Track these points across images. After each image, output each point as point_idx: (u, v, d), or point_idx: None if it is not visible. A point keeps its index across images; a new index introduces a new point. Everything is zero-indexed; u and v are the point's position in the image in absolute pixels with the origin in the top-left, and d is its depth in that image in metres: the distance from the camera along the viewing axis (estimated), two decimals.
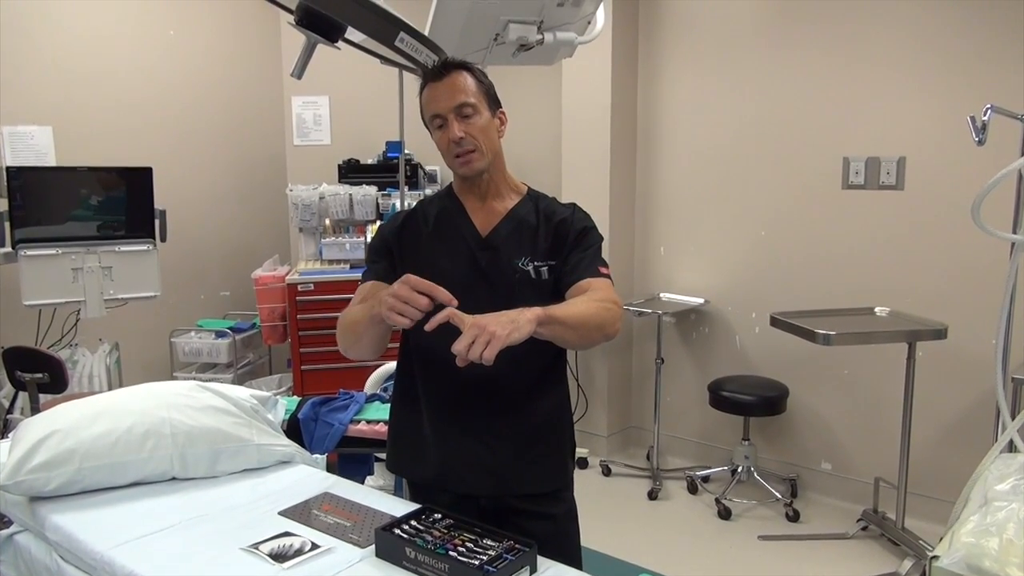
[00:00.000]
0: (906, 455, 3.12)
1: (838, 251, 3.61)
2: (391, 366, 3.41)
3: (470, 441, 1.69)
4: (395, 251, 1.72)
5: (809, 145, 3.66)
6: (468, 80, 1.61)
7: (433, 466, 1.72)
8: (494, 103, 1.66)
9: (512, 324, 1.36)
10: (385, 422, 2.47)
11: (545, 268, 1.66)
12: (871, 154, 3.48)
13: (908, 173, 3.40)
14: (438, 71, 1.62)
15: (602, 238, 1.73)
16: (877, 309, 3.35)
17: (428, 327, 1.37)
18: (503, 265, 1.66)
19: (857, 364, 3.59)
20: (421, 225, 1.73)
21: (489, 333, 1.32)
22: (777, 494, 3.63)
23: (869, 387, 3.57)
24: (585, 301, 1.54)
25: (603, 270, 1.66)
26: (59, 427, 1.79)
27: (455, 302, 1.41)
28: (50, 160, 3.79)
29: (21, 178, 3.46)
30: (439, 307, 1.42)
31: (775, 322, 3.25)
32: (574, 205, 1.75)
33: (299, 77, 1.96)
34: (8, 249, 3.41)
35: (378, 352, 1.66)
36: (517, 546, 1.44)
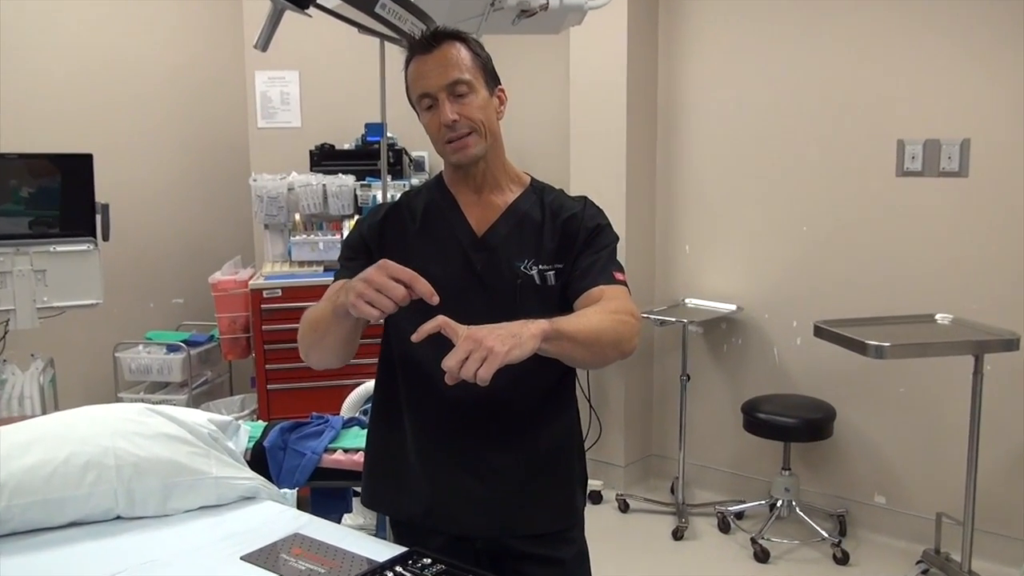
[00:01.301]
0: (973, 486, 3.12)
1: (892, 249, 3.61)
2: (372, 384, 3.40)
3: (463, 473, 1.68)
4: (374, 250, 1.72)
5: (858, 125, 3.66)
6: (462, 52, 1.61)
7: (419, 501, 1.72)
8: (492, 79, 1.65)
9: (514, 339, 1.33)
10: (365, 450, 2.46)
11: (552, 272, 1.66)
12: (930, 136, 3.48)
13: (973, 158, 3.40)
14: (426, 42, 1.61)
15: (617, 238, 1.73)
16: (938, 316, 3.34)
17: (415, 337, 1.36)
18: (502, 268, 1.66)
19: (915, 380, 3.59)
20: (407, 221, 1.73)
21: (486, 348, 1.30)
22: (823, 532, 3.63)
23: (929, 407, 3.57)
24: (598, 313, 1.53)
25: (618, 276, 1.65)
26: None
27: (436, 299, 1.40)
28: None
29: None
30: (418, 304, 1.41)
31: (819, 332, 3.25)
32: (585, 199, 1.75)
33: (264, 49, 1.97)
34: None
35: (344, 357, 1.64)
36: None
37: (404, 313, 1.46)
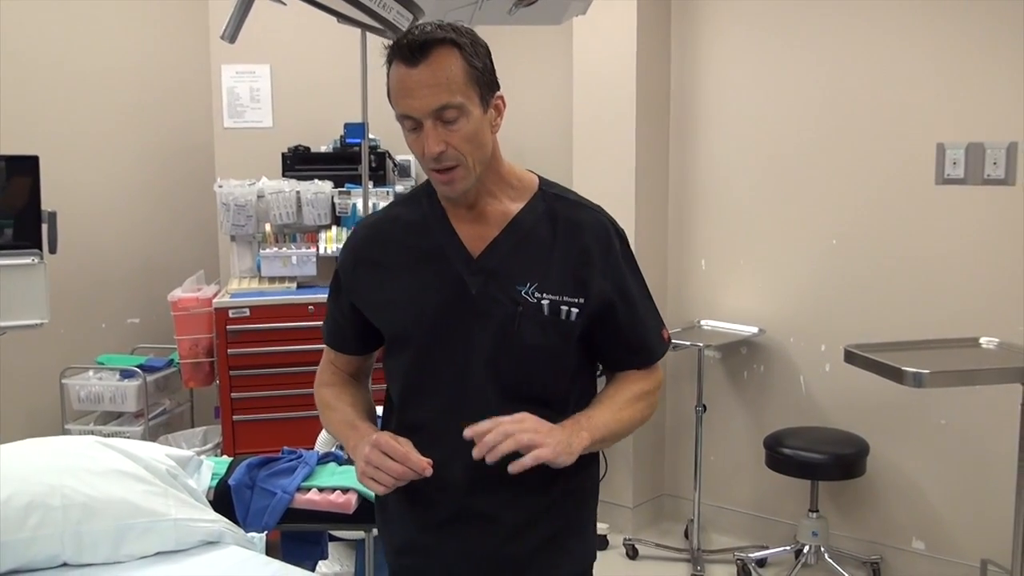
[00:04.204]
0: (1022, 530, 3.11)
1: (931, 265, 3.62)
2: None
3: (461, 525, 1.66)
4: (347, 290, 1.74)
5: (893, 127, 3.67)
6: (453, 66, 1.52)
7: (413, 550, 1.71)
8: (489, 88, 1.58)
9: (565, 447, 1.52)
10: (343, 490, 2.46)
11: (574, 310, 1.62)
12: (973, 139, 3.49)
13: (1021, 163, 3.41)
14: (412, 52, 1.52)
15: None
16: (983, 340, 3.34)
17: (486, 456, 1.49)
18: (500, 293, 1.62)
19: (958, 412, 3.59)
20: (388, 245, 1.71)
21: (540, 435, 1.50)
22: None
23: (974, 442, 3.57)
24: (631, 404, 1.69)
25: (664, 335, 1.77)
26: None
27: (430, 472, 1.54)
28: None
29: None
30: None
31: (851, 357, 3.25)
32: (608, 223, 1.71)
33: (232, 41, 1.97)
34: None
35: None
36: None
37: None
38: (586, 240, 1.65)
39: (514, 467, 1.47)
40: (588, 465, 1.71)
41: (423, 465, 1.52)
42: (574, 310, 1.62)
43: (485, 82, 1.57)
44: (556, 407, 1.62)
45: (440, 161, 1.54)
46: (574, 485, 1.70)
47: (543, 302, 1.61)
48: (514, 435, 1.46)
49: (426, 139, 1.53)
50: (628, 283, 1.69)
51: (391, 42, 1.57)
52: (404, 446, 1.56)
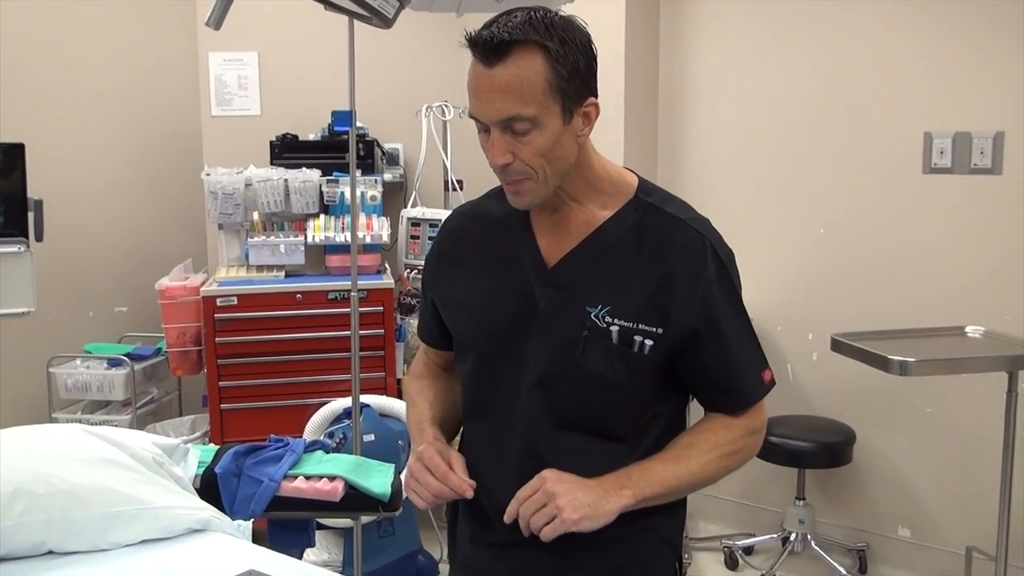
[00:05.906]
0: (1007, 518, 3.13)
1: (918, 254, 3.63)
2: (338, 404, 3.39)
3: (514, 550, 1.55)
4: (430, 279, 1.69)
5: (881, 116, 3.68)
6: (531, 71, 1.35)
7: (470, 568, 1.67)
8: (577, 95, 1.40)
9: (588, 509, 1.38)
10: (330, 477, 2.46)
11: (647, 341, 1.46)
12: (960, 128, 3.50)
13: (1007, 153, 3.42)
14: (488, 51, 1.36)
15: (741, 300, 1.55)
16: (968, 329, 3.36)
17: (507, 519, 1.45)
18: (568, 312, 1.49)
19: (943, 400, 3.61)
20: (470, 239, 1.63)
21: (556, 508, 1.37)
22: (841, 569, 3.63)
23: (959, 430, 3.59)
24: (705, 451, 1.51)
25: (765, 377, 1.57)
26: None
27: (471, 494, 1.47)
28: None
29: None
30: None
31: (837, 346, 3.26)
32: (708, 242, 1.52)
33: (217, 27, 1.96)
34: None
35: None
36: None
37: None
38: (674, 261, 1.47)
39: (546, 535, 1.38)
40: (665, 506, 1.54)
41: (463, 488, 1.46)
42: (648, 342, 1.46)
43: (573, 90, 1.39)
44: (626, 442, 1.52)
45: (507, 173, 1.42)
46: (644, 524, 1.54)
47: (612, 328, 1.46)
48: (532, 514, 1.39)
49: (491, 148, 1.40)
50: (719, 314, 1.49)
51: (467, 42, 1.40)
52: (452, 462, 1.50)
